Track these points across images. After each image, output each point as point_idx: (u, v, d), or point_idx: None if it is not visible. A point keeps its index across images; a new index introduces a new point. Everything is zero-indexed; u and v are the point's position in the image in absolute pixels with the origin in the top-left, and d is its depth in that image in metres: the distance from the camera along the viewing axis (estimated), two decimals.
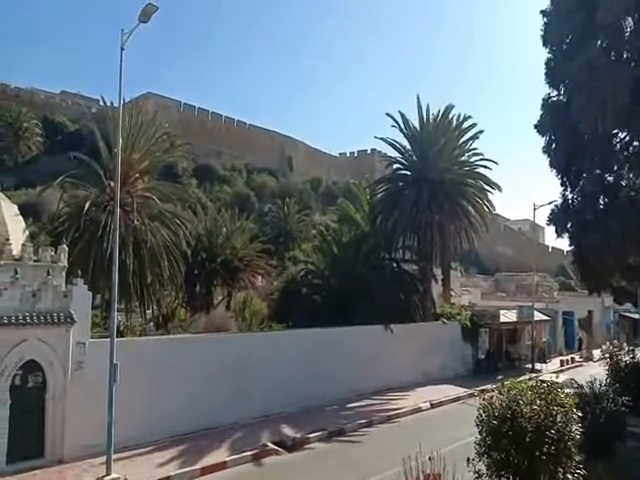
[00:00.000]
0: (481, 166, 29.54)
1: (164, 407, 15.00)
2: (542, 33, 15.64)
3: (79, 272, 15.43)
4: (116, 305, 13.27)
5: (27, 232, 18.26)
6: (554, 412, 8.78)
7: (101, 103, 29.12)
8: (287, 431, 16.29)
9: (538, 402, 8.93)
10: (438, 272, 30.47)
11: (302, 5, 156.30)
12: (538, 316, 32.54)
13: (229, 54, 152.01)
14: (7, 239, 15.12)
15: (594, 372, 19.56)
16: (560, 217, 15.87)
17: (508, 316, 30.76)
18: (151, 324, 22.79)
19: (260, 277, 32.30)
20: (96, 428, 12.46)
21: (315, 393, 19.26)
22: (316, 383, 19.45)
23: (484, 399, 9.52)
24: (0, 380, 12.25)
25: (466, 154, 30.03)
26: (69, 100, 63.21)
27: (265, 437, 15.56)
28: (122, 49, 12.51)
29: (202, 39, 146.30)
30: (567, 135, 14.95)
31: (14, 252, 14.76)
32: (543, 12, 15.62)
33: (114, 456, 12.14)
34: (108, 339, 12.61)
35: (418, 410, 19.85)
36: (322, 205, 66.83)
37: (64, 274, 15.54)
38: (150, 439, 14.49)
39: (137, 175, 20.84)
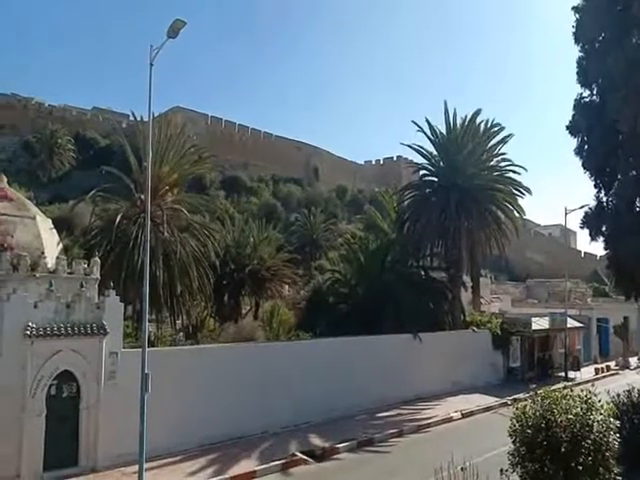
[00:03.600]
0: (510, 170, 29.07)
1: (194, 416, 15.13)
2: (574, 30, 15.10)
3: (111, 284, 15.73)
4: (147, 316, 13.46)
5: (61, 245, 18.79)
6: (590, 421, 8.53)
7: (131, 118, 29.73)
8: (316, 441, 16.22)
9: (574, 411, 8.68)
10: (467, 279, 30.04)
11: (330, 15, 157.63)
12: (571, 323, 31.70)
13: (252, 67, 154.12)
14: (42, 252, 15.58)
15: (631, 380, 18.97)
16: (594, 220, 15.41)
17: (540, 323, 30.05)
18: (181, 334, 23.06)
19: (287, 286, 32.41)
20: (128, 437, 12.60)
21: (343, 402, 19.14)
22: (344, 392, 19.32)
23: (517, 408, 9.31)
24: (37, 390, 12.55)
25: (495, 159, 29.67)
26: (100, 116, 64.77)
27: (294, 447, 15.52)
28: (151, 65, 12.63)
29: (226, 52, 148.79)
30: (601, 135, 14.52)
31: (49, 265, 15.20)
32: (575, 8, 15.09)
33: (145, 465, 12.27)
34: (140, 349, 12.76)
35: (449, 420, 19.54)
36: (348, 214, 66.80)
37: (97, 286, 15.94)
38: (180, 448, 14.62)
39: (167, 188, 21.23)
